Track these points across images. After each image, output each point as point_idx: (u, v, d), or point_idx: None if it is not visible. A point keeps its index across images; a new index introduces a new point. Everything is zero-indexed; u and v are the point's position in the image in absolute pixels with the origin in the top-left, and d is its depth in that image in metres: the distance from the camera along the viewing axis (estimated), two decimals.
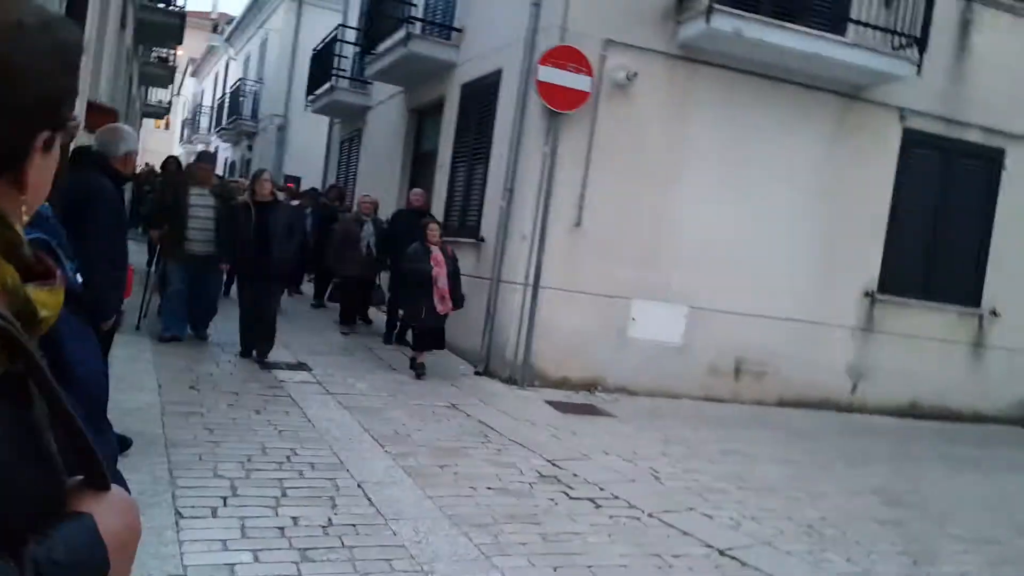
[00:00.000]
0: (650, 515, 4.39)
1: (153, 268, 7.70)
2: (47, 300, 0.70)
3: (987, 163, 9.08)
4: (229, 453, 4.46)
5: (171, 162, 9.88)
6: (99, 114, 5.89)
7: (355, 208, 9.93)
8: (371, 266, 8.85)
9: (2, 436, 0.61)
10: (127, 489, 1.24)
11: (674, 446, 6.12)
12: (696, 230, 7.98)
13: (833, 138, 8.48)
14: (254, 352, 6.98)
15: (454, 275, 7.23)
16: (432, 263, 7.10)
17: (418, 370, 7.26)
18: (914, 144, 8.79)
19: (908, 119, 8.67)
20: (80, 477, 0.72)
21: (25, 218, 0.74)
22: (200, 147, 27.47)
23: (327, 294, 10.16)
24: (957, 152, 8.93)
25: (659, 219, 7.91)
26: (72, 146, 4.05)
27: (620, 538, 4.00)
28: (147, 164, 13.62)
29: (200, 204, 7.04)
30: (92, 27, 5.26)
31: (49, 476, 0.67)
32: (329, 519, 3.71)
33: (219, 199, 7.17)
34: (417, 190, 9.13)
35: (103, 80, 7.78)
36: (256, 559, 3.22)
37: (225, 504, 3.74)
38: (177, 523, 3.43)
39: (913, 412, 8.81)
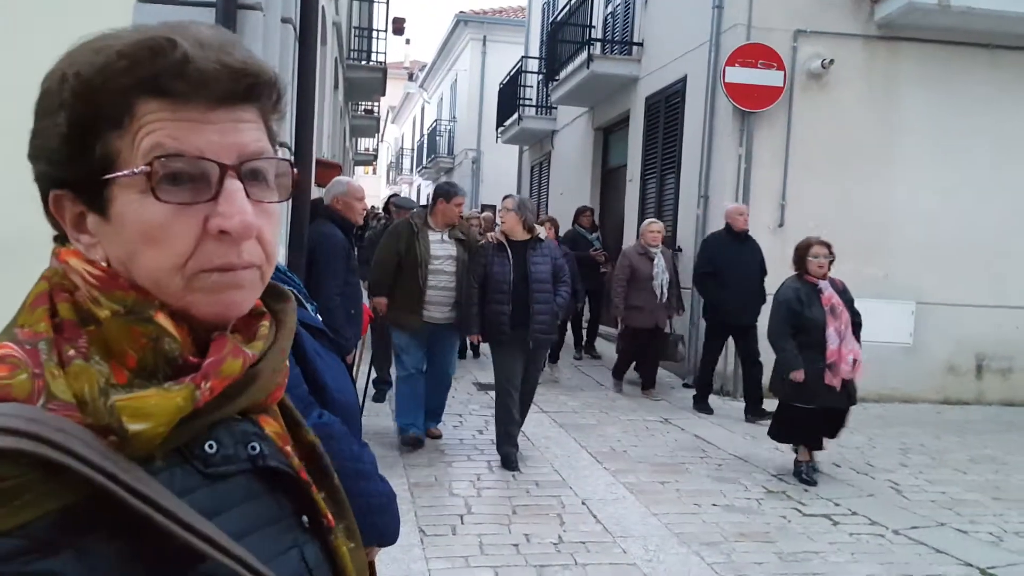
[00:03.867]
0: (896, 532, 4.09)
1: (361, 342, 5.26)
2: (154, 408, 0.53)
3: None
4: (460, 473, 4.80)
5: (392, 201, 7.86)
6: (326, 169, 6.48)
7: (636, 240, 7.42)
8: (664, 313, 6.95)
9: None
10: (382, 493, 1.30)
11: (914, 455, 5.63)
12: (915, 219, 7.41)
13: None
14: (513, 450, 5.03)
15: (850, 312, 4.82)
16: (825, 308, 4.73)
17: (806, 474, 4.85)
18: None
19: None
20: None
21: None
22: (404, 186, 29.52)
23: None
24: None
25: (871, 211, 7.42)
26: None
27: (865, 557, 3.76)
28: (372, 207, 13.37)
29: (442, 255, 5.13)
30: (319, 92, 5.87)
31: None
32: (559, 536, 3.86)
33: (461, 245, 5.21)
34: (740, 206, 6.71)
35: (324, 137, 8.65)
36: (496, 575, 3.43)
37: (462, 522, 4.02)
38: (422, 540, 3.74)
39: None
